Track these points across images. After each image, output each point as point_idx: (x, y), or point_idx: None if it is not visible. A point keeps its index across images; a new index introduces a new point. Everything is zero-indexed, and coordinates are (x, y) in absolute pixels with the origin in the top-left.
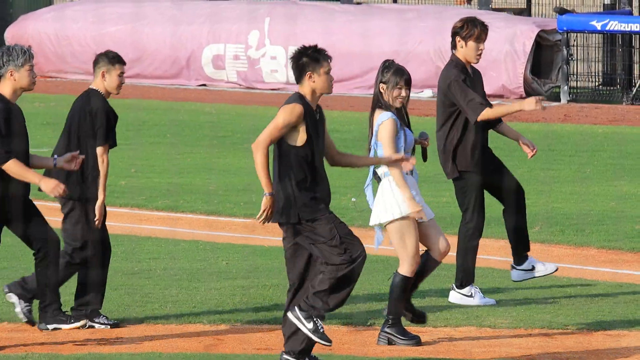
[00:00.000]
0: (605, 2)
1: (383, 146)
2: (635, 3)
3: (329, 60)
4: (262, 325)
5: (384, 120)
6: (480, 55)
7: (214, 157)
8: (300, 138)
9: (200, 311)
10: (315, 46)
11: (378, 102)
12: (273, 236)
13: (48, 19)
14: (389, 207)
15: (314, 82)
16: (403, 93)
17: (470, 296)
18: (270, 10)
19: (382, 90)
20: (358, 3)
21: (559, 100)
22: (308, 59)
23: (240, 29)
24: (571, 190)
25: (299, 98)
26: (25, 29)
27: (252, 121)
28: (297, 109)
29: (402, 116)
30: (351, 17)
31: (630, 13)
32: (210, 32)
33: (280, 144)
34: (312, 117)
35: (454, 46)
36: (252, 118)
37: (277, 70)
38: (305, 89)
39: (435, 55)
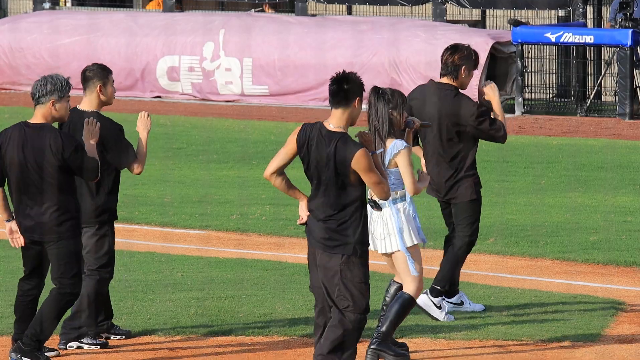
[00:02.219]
0: (560, 15)
1: (403, 175)
2: (589, 15)
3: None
4: (217, 337)
5: (400, 150)
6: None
7: (168, 169)
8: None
9: (155, 323)
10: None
11: (390, 130)
12: (228, 248)
13: (2, 31)
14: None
15: (356, 109)
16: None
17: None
18: (225, 22)
19: (391, 117)
20: (313, 15)
21: (513, 112)
22: (355, 86)
23: (195, 41)
24: (526, 201)
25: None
26: None
27: (207, 133)
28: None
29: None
30: (306, 29)
31: (585, 25)
32: (165, 44)
33: None
34: None
35: (456, 75)
36: (207, 130)
37: (232, 82)
38: (343, 117)
39: (390, 67)
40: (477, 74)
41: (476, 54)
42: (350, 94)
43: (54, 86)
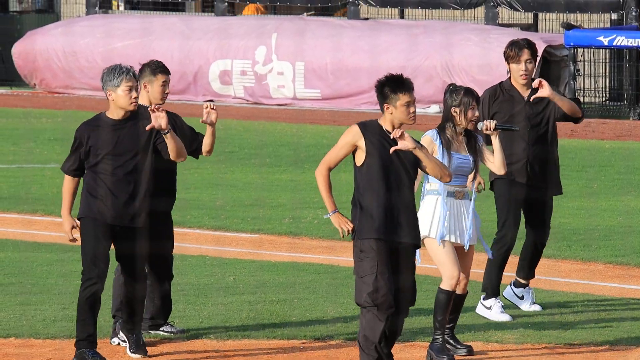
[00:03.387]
0: (612, 18)
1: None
2: None
3: (407, 92)
4: (269, 340)
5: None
6: (523, 75)
7: (221, 173)
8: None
9: (208, 326)
10: (400, 76)
11: (447, 124)
12: (280, 251)
13: (56, 35)
14: (424, 224)
15: (391, 114)
16: (477, 113)
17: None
18: (278, 26)
19: (454, 114)
20: (365, 19)
21: None
22: (388, 90)
23: (247, 45)
24: (578, 205)
25: (373, 123)
26: (33, 45)
27: (259, 136)
28: (352, 128)
29: (470, 137)
30: (359, 33)
31: (637, 28)
32: (217, 47)
33: None
34: (384, 137)
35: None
36: (259, 133)
37: (284, 86)
38: (386, 119)
39: (442, 71)
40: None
41: (511, 46)
42: (380, 102)
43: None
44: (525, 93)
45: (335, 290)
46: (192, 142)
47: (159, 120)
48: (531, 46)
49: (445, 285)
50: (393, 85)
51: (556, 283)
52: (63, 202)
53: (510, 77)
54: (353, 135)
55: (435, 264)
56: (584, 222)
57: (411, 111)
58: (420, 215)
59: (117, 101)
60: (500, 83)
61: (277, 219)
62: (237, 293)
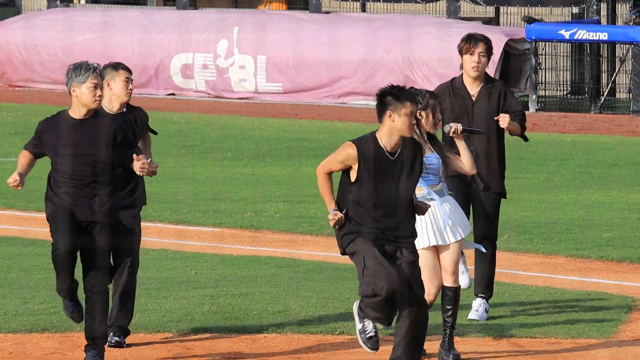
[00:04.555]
0: (574, 12)
1: None
2: (603, 12)
3: (414, 103)
4: (230, 334)
5: None
6: (475, 67)
7: (182, 166)
8: (352, 176)
9: (169, 320)
10: (403, 87)
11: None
12: (241, 245)
13: (17, 28)
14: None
15: (393, 121)
16: (439, 115)
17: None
18: (239, 19)
19: (419, 117)
20: (327, 12)
21: (527, 109)
22: (392, 98)
23: (209, 38)
24: (539, 198)
25: (370, 138)
26: None
27: (221, 130)
28: (348, 148)
29: (430, 137)
30: (319, 26)
31: (598, 22)
32: (179, 41)
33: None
34: (379, 156)
35: (461, 66)
36: (220, 127)
37: (246, 80)
38: (384, 128)
39: (403, 64)
40: (491, 70)
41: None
42: (380, 109)
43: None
44: (474, 89)
45: (297, 284)
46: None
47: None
48: (487, 41)
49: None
50: (398, 93)
51: (517, 276)
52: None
53: (462, 74)
54: (347, 156)
55: None
56: (545, 215)
57: (413, 123)
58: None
59: (81, 98)
60: (452, 80)
61: (238, 213)
62: (198, 287)
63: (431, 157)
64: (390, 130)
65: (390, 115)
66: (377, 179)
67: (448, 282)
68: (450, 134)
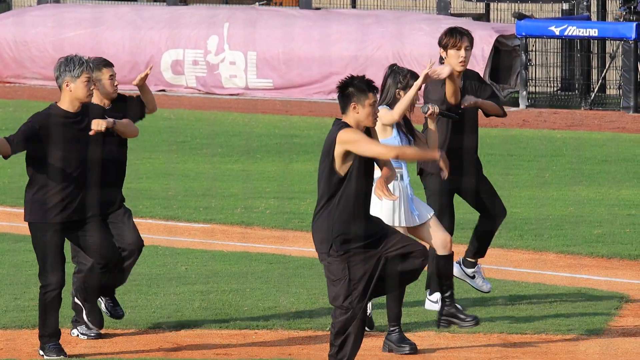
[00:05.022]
0: (564, 8)
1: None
2: (593, 8)
3: (375, 92)
4: (221, 330)
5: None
6: (462, 62)
7: (173, 162)
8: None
9: (160, 316)
10: (363, 77)
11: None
12: (232, 241)
13: (7, 24)
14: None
15: (357, 113)
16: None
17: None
18: (230, 15)
19: (398, 97)
20: (317, 8)
21: (517, 105)
22: (354, 89)
23: (199, 34)
24: (530, 195)
25: (347, 125)
26: None
27: (211, 126)
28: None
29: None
30: (310, 23)
31: (589, 18)
32: (169, 37)
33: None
34: None
35: (440, 59)
36: (211, 123)
37: (236, 76)
38: (350, 119)
39: (394, 60)
40: (482, 66)
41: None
42: (343, 102)
43: (66, 67)
44: (458, 82)
45: (288, 281)
46: (142, 108)
47: (99, 126)
48: (470, 34)
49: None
50: (361, 84)
51: (508, 273)
52: None
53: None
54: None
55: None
56: (536, 211)
57: (376, 112)
58: (386, 207)
59: (76, 92)
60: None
61: (229, 209)
62: (189, 283)
63: (390, 140)
64: (357, 122)
65: (354, 107)
66: (360, 173)
67: (442, 251)
68: (427, 115)
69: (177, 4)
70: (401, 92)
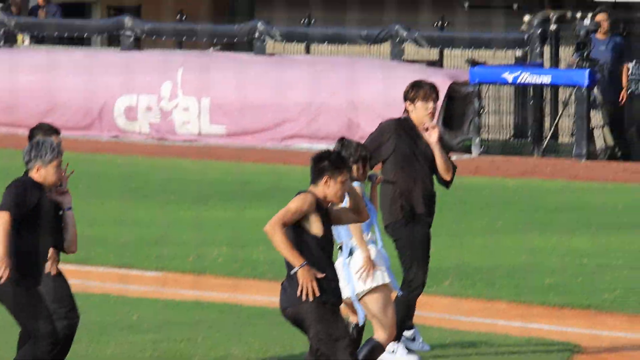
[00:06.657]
0: (517, 55)
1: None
2: (546, 56)
3: (349, 171)
4: None
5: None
6: (430, 114)
7: (125, 209)
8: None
9: None
10: (339, 153)
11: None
12: (184, 289)
13: None
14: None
15: (328, 187)
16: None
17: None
18: (184, 60)
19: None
20: (271, 54)
21: (470, 152)
22: (329, 164)
23: (152, 80)
24: (482, 243)
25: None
26: None
27: (165, 173)
28: (309, 197)
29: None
30: (264, 68)
31: (542, 65)
32: (123, 82)
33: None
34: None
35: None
36: (165, 170)
37: (190, 122)
38: (318, 191)
39: (347, 108)
40: (435, 113)
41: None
42: (316, 173)
43: (38, 151)
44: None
45: (240, 330)
46: None
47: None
48: (436, 88)
49: (381, 337)
50: (338, 161)
51: (459, 322)
52: (1, 244)
53: (407, 117)
54: (310, 205)
55: (384, 315)
56: (487, 260)
57: (345, 190)
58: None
59: (47, 178)
60: (403, 119)
61: (181, 257)
62: (140, 332)
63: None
64: (324, 196)
65: (326, 182)
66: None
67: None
68: (375, 183)
69: (132, 48)
70: (354, 166)
